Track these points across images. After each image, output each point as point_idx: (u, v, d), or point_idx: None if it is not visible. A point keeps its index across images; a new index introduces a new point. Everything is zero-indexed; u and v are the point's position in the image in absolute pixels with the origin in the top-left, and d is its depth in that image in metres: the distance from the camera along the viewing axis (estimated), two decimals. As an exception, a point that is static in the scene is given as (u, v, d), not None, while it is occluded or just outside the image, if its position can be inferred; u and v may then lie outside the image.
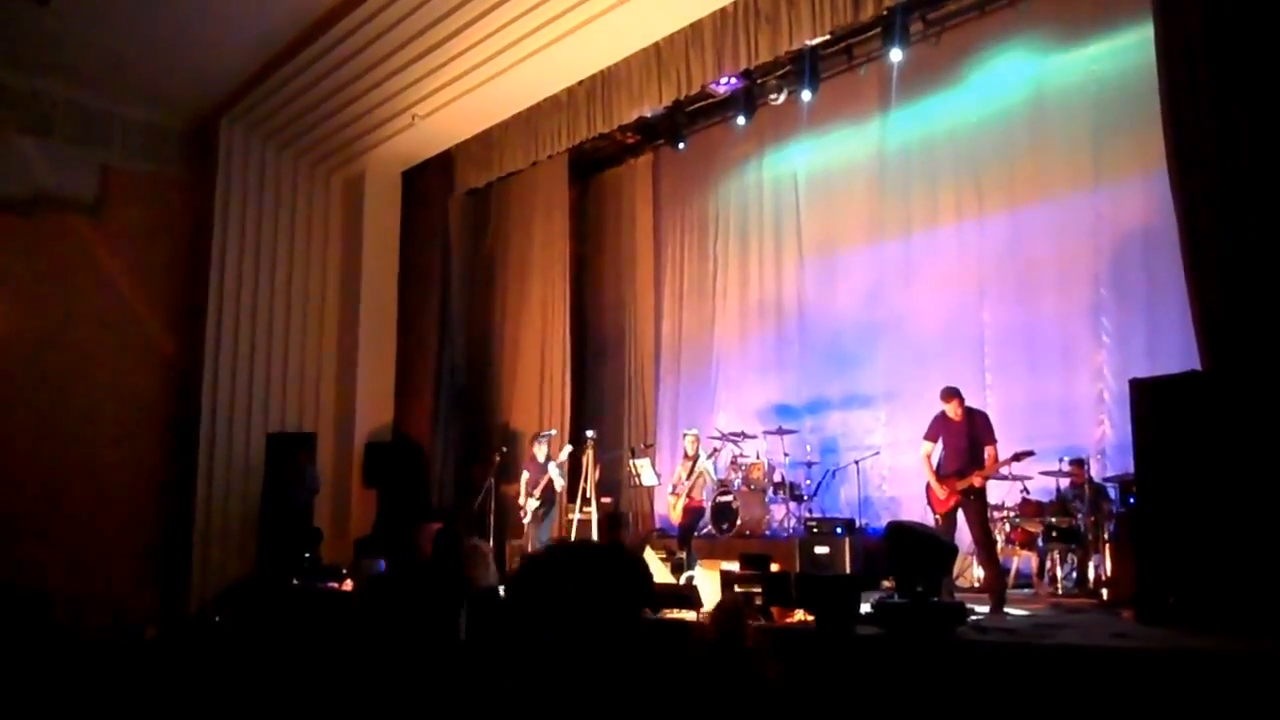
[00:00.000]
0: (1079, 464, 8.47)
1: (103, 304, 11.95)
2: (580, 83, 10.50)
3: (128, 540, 11.74)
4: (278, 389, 12.63)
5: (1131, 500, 7.54)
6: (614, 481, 12.01)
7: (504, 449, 11.71)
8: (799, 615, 6.77)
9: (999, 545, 8.36)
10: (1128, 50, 8.76)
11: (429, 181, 12.90)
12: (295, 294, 12.84)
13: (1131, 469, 7.06)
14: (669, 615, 7.37)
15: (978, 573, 8.55)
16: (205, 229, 12.34)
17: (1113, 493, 8.32)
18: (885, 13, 9.12)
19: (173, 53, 10.83)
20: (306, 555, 10.32)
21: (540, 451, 10.87)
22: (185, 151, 12.76)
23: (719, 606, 5.27)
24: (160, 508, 12.09)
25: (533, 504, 10.64)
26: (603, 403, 13.39)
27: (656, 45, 9.66)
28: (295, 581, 9.83)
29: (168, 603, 11.49)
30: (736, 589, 7.29)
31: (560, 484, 10.79)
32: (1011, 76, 9.91)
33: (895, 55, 9.94)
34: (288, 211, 12.85)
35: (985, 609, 7.17)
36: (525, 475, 10.86)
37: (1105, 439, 8.91)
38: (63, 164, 11.85)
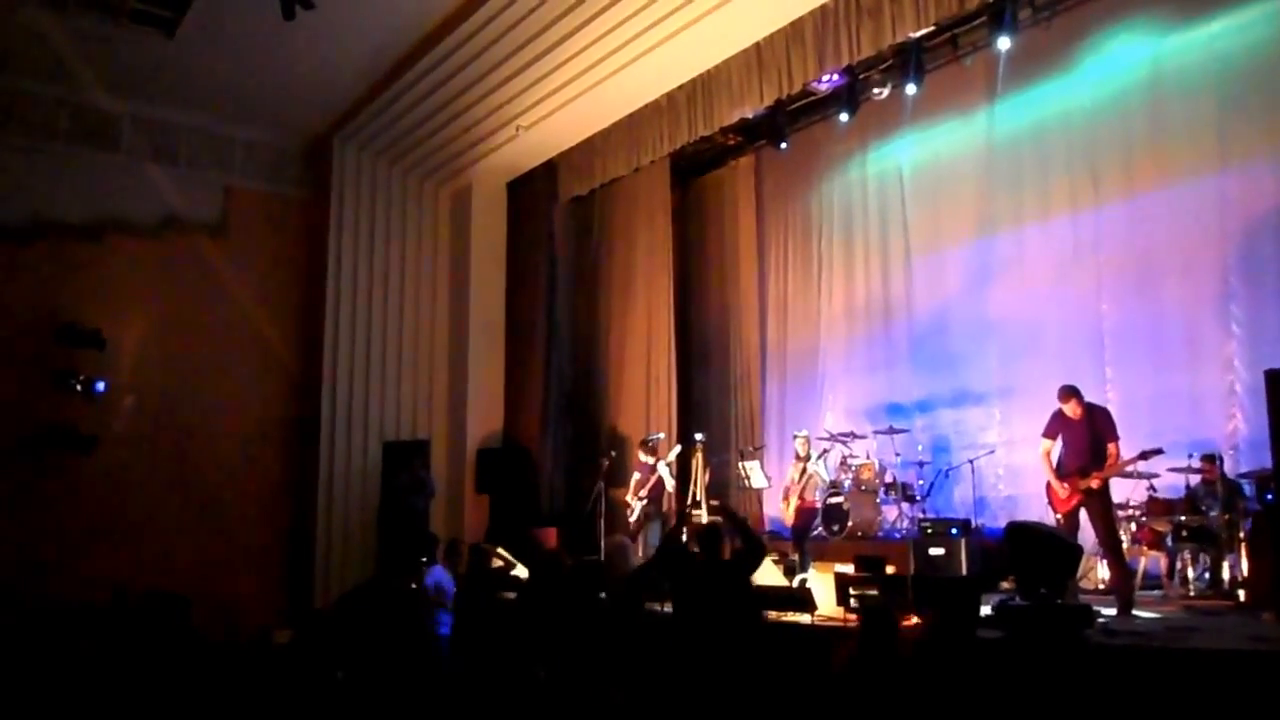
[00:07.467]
0: (1211, 460, 8.05)
1: (227, 318, 12.53)
2: (680, 87, 10.53)
3: (254, 545, 12.27)
4: (392, 397, 13.02)
5: (1269, 497, 7.18)
6: (723, 483, 11.99)
7: (612, 453, 11.78)
8: (916, 619, 6.65)
9: (1124, 545, 8.07)
10: (1254, 25, 8.36)
11: (533, 191, 13.12)
12: (407, 305, 13.24)
13: (1268, 464, 6.74)
14: (782, 618, 7.33)
15: (1102, 573, 8.26)
16: (321, 244, 12.83)
17: (1248, 489, 7.92)
18: (992, 0, 8.89)
19: (289, 77, 11.31)
20: (424, 560, 10.57)
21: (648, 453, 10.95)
22: (302, 170, 13.32)
23: (864, 612, 5.08)
24: (284, 513, 12.60)
25: (640, 505, 10.73)
26: (709, 405, 13.38)
27: (756, 45, 9.61)
28: (414, 586, 10.07)
29: (293, 606, 11.94)
30: (851, 591, 7.20)
31: (670, 484, 10.84)
32: (1127, 58, 9.54)
33: (1003, 43, 9.64)
34: (399, 225, 13.26)
35: (1112, 611, 6.93)
36: (635, 476, 10.95)
37: (1238, 433, 8.49)
38: (188, 187, 12.50)
